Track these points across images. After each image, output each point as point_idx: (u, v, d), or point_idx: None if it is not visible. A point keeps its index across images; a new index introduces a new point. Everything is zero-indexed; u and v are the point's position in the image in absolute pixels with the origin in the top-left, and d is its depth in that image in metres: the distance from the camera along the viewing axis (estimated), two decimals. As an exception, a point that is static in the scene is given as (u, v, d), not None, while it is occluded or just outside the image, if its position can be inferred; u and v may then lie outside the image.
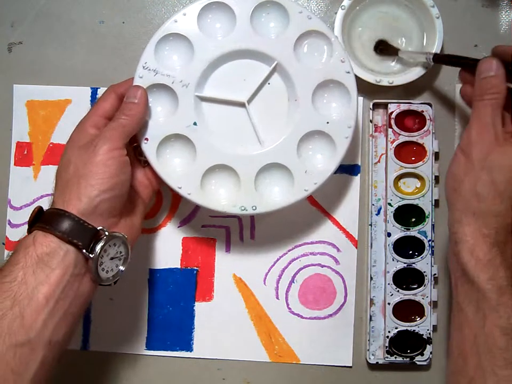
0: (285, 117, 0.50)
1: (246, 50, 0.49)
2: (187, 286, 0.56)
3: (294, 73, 0.48)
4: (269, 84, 0.50)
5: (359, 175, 0.56)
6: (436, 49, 0.52)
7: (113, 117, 0.46)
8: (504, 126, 0.43)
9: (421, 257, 0.54)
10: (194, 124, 0.48)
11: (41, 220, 0.41)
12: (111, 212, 0.43)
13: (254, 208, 0.48)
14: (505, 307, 0.40)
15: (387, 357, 0.54)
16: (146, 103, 0.47)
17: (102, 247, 0.41)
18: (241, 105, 0.49)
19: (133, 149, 0.49)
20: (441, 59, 0.51)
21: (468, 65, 0.47)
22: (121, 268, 0.44)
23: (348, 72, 0.48)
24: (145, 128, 0.48)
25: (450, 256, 0.44)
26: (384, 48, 0.54)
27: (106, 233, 0.42)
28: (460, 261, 0.42)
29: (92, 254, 0.41)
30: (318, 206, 0.56)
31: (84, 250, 0.40)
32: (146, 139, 0.48)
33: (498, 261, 0.41)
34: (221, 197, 0.49)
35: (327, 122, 0.48)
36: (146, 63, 0.48)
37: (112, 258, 0.43)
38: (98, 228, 0.41)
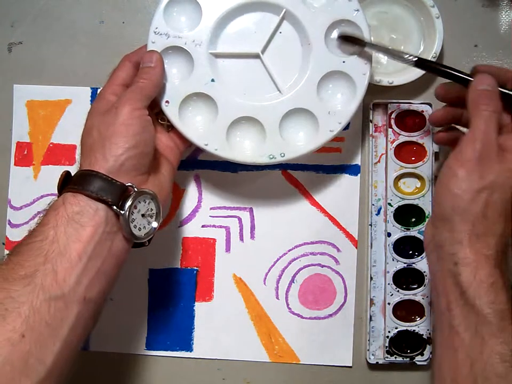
0: (300, 63, 0.50)
1: (253, 2, 0.49)
2: (187, 286, 0.56)
3: (303, 18, 0.48)
4: (280, 32, 0.50)
5: (359, 175, 0.56)
6: (436, 49, 0.53)
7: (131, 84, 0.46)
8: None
9: (421, 257, 0.54)
10: (212, 80, 0.49)
11: (70, 183, 0.42)
12: (138, 170, 0.43)
13: (282, 155, 0.49)
14: (505, 332, 0.38)
15: (387, 357, 0.54)
16: (163, 66, 0.47)
17: (132, 203, 0.41)
18: (256, 56, 0.50)
19: (155, 115, 0.50)
20: (424, 65, 0.47)
21: (458, 80, 0.45)
22: (154, 224, 0.44)
23: (357, 10, 0.48)
24: (164, 91, 0.48)
25: (444, 277, 0.42)
26: (347, 40, 0.49)
27: (135, 189, 0.42)
28: (460, 283, 0.40)
29: (122, 211, 0.41)
30: (318, 206, 0.56)
31: (114, 207, 0.41)
32: (167, 102, 0.48)
33: (500, 284, 0.39)
34: (247, 149, 0.50)
35: (343, 62, 0.49)
36: (157, 28, 0.48)
37: (143, 216, 0.43)
38: (126, 184, 0.42)
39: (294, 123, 0.50)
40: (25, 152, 0.57)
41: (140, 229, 0.43)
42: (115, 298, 0.56)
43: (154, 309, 0.56)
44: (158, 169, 0.47)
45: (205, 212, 0.56)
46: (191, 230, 0.56)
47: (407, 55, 0.47)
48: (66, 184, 0.42)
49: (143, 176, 0.44)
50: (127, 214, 0.41)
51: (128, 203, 0.41)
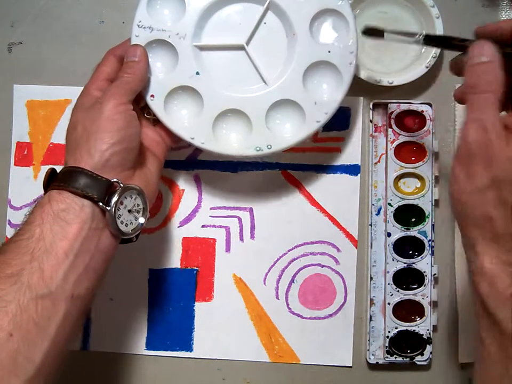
0: (285, 53, 0.49)
1: None
2: (187, 286, 0.56)
3: (288, 8, 0.48)
4: (264, 23, 0.49)
5: (359, 175, 0.56)
6: (435, 49, 0.53)
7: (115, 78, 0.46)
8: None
9: (421, 257, 0.54)
10: (197, 73, 0.48)
11: (55, 180, 0.42)
12: (123, 165, 0.43)
13: (269, 147, 0.49)
14: None
15: (387, 357, 0.54)
16: (147, 60, 0.47)
17: (118, 199, 0.41)
18: (241, 48, 0.49)
19: (140, 110, 0.50)
20: (431, 40, 0.44)
21: (459, 48, 0.41)
22: (141, 220, 0.44)
23: None
24: (149, 85, 0.48)
25: (471, 284, 0.38)
26: (369, 33, 0.47)
27: (121, 185, 0.42)
28: (478, 293, 0.37)
29: (108, 207, 0.41)
30: (318, 206, 0.56)
31: (100, 203, 0.41)
32: (152, 96, 0.48)
33: None
34: (234, 142, 0.49)
35: (329, 52, 0.48)
36: (140, 21, 0.48)
37: (130, 211, 0.43)
38: (112, 180, 0.41)
39: (280, 114, 0.49)
40: (25, 152, 0.57)
41: (126, 225, 0.43)
42: (115, 298, 0.56)
43: (154, 309, 0.56)
44: (144, 164, 0.47)
45: (205, 212, 0.56)
46: (191, 230, 0.56)
47: (417, 35, 0.44)
48: (52, 181, 0.42)
49: (129, 172, 0.44)
50: (113, 210, 0.41)
51: (114, 199, 0.41)
